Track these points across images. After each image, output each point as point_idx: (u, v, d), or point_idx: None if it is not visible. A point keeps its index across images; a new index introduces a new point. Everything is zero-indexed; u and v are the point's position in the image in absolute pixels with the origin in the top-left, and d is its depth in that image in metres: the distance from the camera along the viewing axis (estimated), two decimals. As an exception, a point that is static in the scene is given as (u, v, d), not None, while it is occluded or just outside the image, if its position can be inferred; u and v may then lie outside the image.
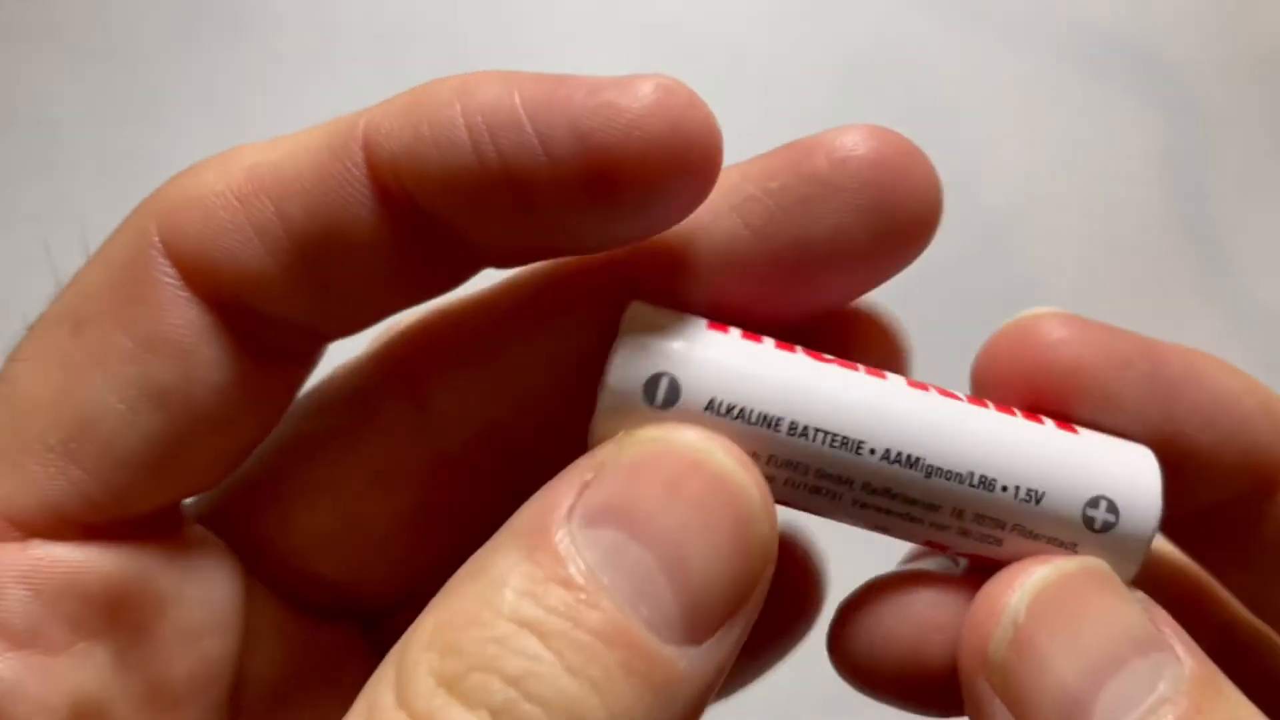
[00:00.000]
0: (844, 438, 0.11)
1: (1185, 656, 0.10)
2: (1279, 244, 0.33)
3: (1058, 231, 0.33)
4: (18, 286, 0.31)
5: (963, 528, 0.11)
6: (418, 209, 0.11)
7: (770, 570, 0.10)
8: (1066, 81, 0.33)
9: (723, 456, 0.10)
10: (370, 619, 0.14)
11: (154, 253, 0.11)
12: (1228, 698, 0.10)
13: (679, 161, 0.10)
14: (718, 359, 0.11)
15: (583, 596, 0.09)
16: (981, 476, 0.11)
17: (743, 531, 0.10)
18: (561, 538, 0.09)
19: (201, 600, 0.12)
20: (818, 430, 0.11)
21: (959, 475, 0.11)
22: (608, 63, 0.32)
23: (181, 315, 0.11)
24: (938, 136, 0.34)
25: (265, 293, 0.11)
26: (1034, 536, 0.11)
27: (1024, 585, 0.11)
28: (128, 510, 0.11)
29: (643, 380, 0.11)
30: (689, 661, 0.09)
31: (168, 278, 0.11)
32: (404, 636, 0.10)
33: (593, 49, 0.33)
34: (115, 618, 0.11)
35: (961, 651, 0.11)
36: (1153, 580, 0.11)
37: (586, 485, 0.10)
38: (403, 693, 0.09)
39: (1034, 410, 0.12)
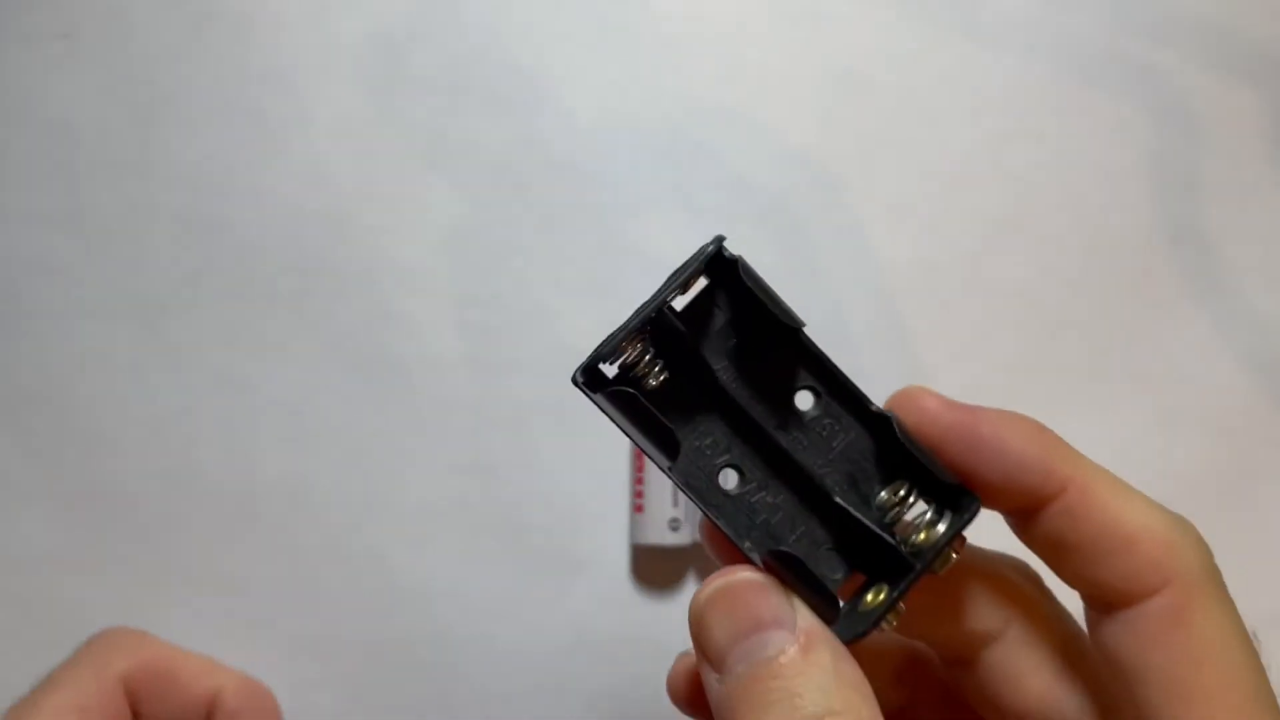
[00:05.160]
0: None
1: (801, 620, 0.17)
2: (1268, 248, 0.33)
3: (1048, 236, 0.33)
4: (28, 286, 0.31)
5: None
6: None
7: None
8: (1056, 87, 0.33)
9: None
10: None
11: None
12: (829, 644, 0.17)
13: None
14: None
15: None
16: None
17: None
18: None
19: None
20: None
21: None
22: (608, 70, 0.33)
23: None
24: (931, 142, 0.34)
25: None
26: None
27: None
28: None
29: None
30: None
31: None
32: None
33: (593, 56, 0.33)
34: None
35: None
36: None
37: None
38: None
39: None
